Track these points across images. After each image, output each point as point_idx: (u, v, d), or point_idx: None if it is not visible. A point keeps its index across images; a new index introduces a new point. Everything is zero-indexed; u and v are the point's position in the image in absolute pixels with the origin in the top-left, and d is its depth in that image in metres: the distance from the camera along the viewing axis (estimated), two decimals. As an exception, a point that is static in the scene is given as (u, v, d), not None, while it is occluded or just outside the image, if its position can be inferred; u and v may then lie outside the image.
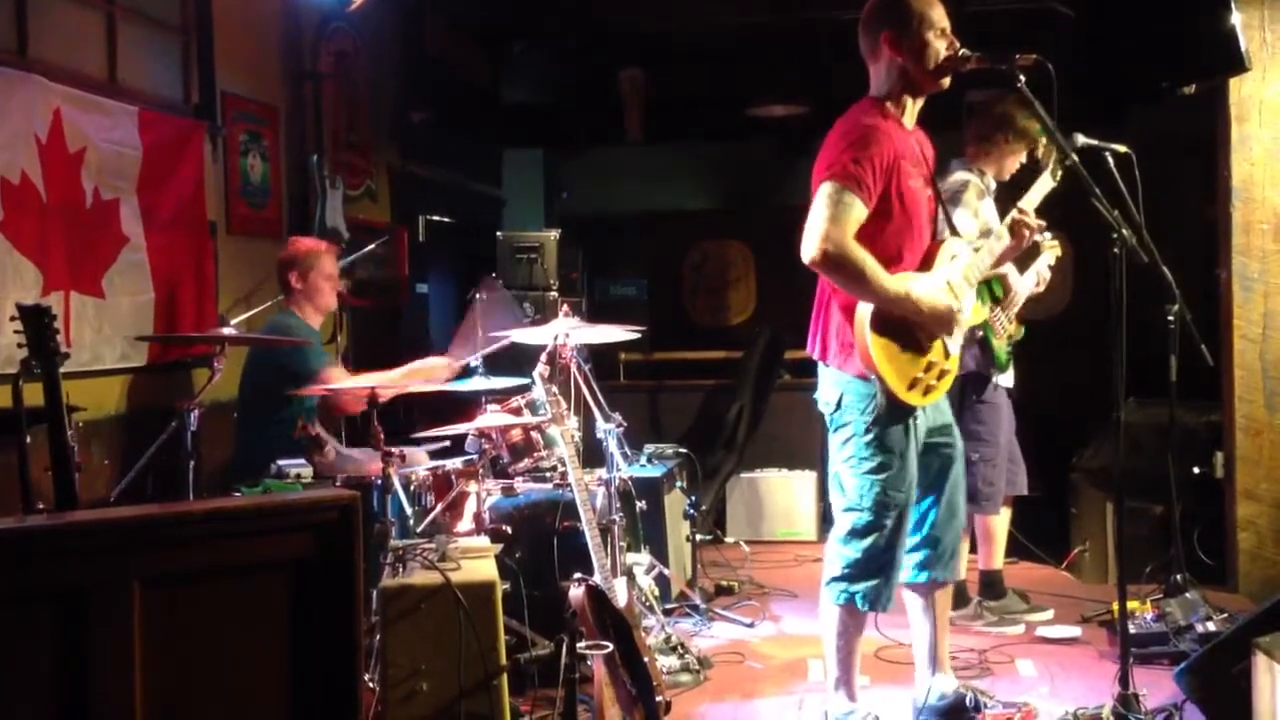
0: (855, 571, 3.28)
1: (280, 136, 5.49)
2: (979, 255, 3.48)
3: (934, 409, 3.38)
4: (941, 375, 3.33)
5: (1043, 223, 3.93)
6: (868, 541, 3.26)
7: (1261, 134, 5.03)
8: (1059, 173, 3.62)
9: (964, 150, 4.57)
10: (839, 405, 3.29)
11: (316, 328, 4.68)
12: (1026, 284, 4.52)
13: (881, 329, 3.16)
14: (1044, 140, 3.90)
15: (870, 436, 3.23)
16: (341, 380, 4.23)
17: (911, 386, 3.22)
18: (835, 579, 3.32)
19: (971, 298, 3.46)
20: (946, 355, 3.33)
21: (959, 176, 4.44)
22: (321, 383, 4.17)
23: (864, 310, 3.17)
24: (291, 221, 5.51)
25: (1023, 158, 4.55)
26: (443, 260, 7.59)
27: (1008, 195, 4.45)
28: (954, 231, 3.54)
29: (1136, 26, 5.50)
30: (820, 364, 3.36)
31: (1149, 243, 3.32)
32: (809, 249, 3.10)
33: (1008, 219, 3.58)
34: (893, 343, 3.19)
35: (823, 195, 3.11)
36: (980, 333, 4.32)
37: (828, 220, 3.08)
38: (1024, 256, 3.89)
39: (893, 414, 3.22)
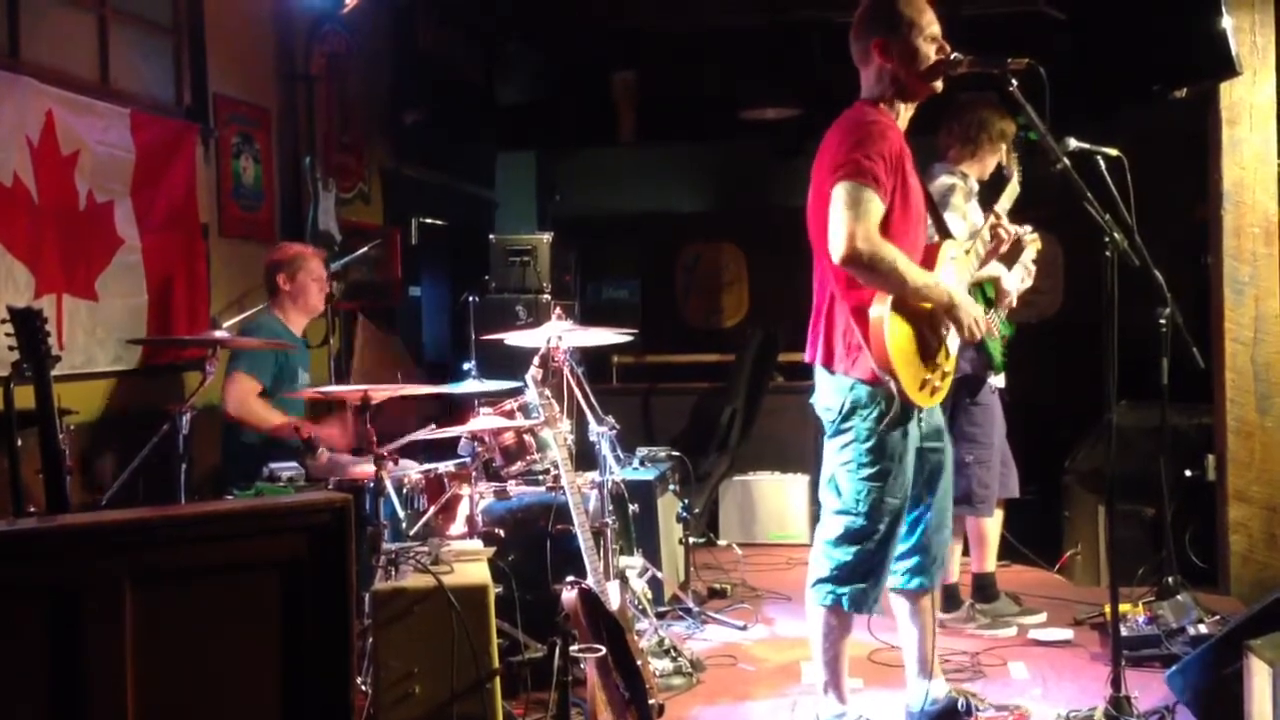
0: (845, 574, 3.26)
1: (272, 138, 5.48)
2: (968, 258, 3.50)
3: (929, 412, 3.37)
4: (944, 377, 3.32)
5: (1028, 227, 4.05)
6: (860, 546, 3.25)
7: (1252, 138, 5.04)
8: (1020, 178, 3.98)
9: (944, 154, 4.59)
10: (843, 411, 3.23)
11: (298, 332, 4.66)
12: (1015, 280, 4.53)
13: (898, 329, 3.13)
14: (1012, 149, 4.32)
15: (873, 442, 3.20)
16: (242, 402, 4.29)
17: (921, 388, 3.21)
18: (823, 580, 3.30)
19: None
20: (948, 356, 3.33)
21: (944, 180, 4.46)
22: (227, 389, 4.28)
23: (879, 310, 3.11)
24: (284, 224, 5.49)
25: (1001, 157, 4.58)
26: (435, 263, 7.58)
27: (981, 196, 4.53)
28: (945, 233, 3.53)
29: (1128, 30, 5.51)
30: (822, 370, 3.30)
31: (1140, 246, 3.33)
32: (839, 249, 3.04)
33: (987, 223, 3.66)
34: (908, 344, 3.16)
35: (840, 195, 3.06)
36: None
37: (853, 218, 3.03)
38: (1010, 254, 3.93)
39: (900, 417, 3.19)
